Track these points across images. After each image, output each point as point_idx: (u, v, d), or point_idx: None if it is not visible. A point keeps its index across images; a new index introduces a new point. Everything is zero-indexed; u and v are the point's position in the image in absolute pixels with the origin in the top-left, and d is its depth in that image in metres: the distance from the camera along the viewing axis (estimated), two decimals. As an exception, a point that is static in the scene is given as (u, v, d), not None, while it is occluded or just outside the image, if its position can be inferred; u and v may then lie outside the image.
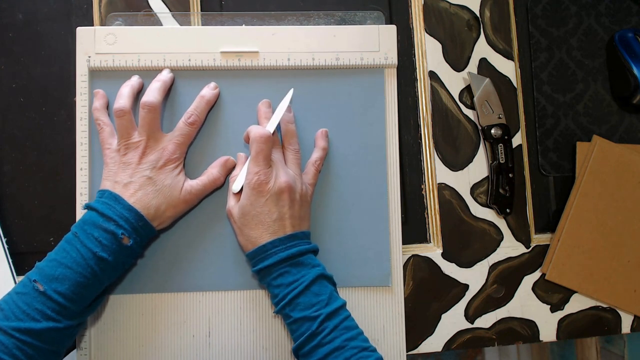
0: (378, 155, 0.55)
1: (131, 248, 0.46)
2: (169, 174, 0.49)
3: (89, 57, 0.53)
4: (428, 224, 0.58)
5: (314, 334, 0.45)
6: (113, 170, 0.48)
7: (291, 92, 0.53)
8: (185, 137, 0.50)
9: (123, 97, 0.50)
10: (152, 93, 0.50)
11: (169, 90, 0.53)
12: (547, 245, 0.59)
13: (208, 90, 0.53)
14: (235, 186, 0.50)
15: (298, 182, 0.50)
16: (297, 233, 0.48)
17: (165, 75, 0.52)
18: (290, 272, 0.46)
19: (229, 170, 0.53)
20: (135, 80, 0.52)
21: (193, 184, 0.50)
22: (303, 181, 0.51)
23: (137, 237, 0.46)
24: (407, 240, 0.57)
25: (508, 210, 0.57)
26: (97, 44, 0.53)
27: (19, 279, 0.52)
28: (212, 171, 0.52)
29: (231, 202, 0.51)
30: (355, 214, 0.54)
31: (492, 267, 0.58)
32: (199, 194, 0.51)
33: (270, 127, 0.51)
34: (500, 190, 0.57)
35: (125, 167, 0.48)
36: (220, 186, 0.52)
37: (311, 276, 0.46)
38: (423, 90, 0.59)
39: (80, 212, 0.52)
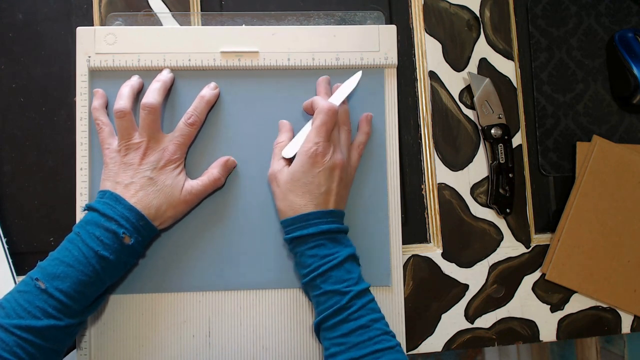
0: (378, 155, 0.55)
1: (132, 247, 0.46)
2: (169, 174, 0.49)
3: (89, 57, 0.53)
4: (428, 224, 0.58)
5: (342, 308, 0.45)
6: (114, 170, 0.48)
7: (360, 73, 0.53)
8: (185, 138, 0.50)
9: (123, 98, 0.50)
10: (152, 94, 0.50)
11: (169, 90, 0.53)
12: (547, 245, 0.59)
13: (208, 90, 0.53)
14: (288, 152, 0.51)
15: (347, 163, 0.51)
16: (337, 211, 0.49)
17: (165, 76, 0.52)
18: (327, 245, 0.47)
19: (230, 170, 0.53)
20: (135, 80, 0.52)
21: (193, 184, 0.50)
22: (350, 163, 0.52)
23: (139, 236, 0.47)
24: (407, 240, 0.57)
25: (508, 210, 0.57)
26: (97, 44, 0.53)
27: (19, 279, 0.52)
28: (213, 171, 0.52)
29: (277, 165, 0.51)
30: (356, 213, 0.54)
31: (492, 267, 0.58)
32: (199, 194, 0.51)
33: (337, 101, 0.51)
34: (500, 190, 0.57)
35: (126, 167, 0.48)
36: (220, 186, 0.52)
37: (345, 253, 0.47)
38: (423, 90, 0.59)
39: (80, 212, 0.52)
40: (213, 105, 0.54)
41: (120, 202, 0.46)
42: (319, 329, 0.47)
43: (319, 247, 0.47)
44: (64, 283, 0.43)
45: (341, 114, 0.52)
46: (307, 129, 0.51)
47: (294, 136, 0.52)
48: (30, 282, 0.43)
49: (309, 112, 0.53)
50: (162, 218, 0.49)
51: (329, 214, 0.48)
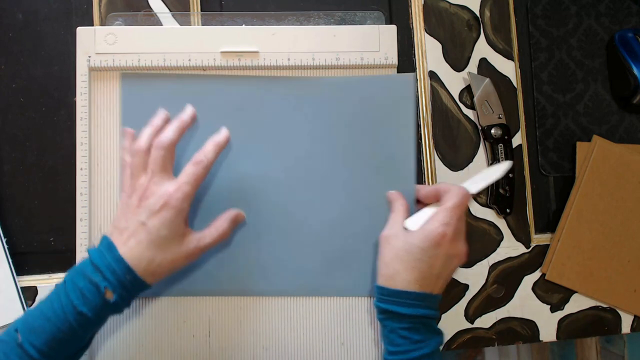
0: (405, 167, 0.54)
1: (115, 304, 0.41)
2: (166, 223, 0.43)
3: (89, 57, 0.53)
4: (428, 224, 0.58)
5: None
6: (118, 213, 0.45)
7: (509, 163, 0.53)
8: (191, 178, 0.44)
9: (142, 137, 0.45)
10: (167, 132, 0.45)
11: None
12: (547, 245, 0.59)
13: (217, 136, 0.47)
14: (413, 224, 0.48)
15: (466, 254, 0.49)
16: (439, 296, 0.48)
17: (186, 114, 0.47)
18: (420, 330, 0.46)
19: (238, 224, 0.50)
20: (159, 119, 0.47)
21: (201, 238, 0.45)
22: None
23: (123, 291, 0.41)
24: (407, 240, 0.57)
25: (508, 210, 0.57)
26: (97, 44, 0.53)
27: (19, 279, 0.52)
28: (223, 225, 0.47)
29: (394, 229, 0.49)
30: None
31: (492, 267, 0.58)
32: (205, 249, 0.46)
33: (474, 188, 0.50)
34: (500, 190, 0.57)
35: (126, 210, 0.44)
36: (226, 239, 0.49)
37: (435, 343, 0.46)
38: (423, 90, 0.59)
39: (80, 212, 0.52)
40: (224, 147, 0.47)
41: (111, 251, 0.42)
42: None
43: (411, 330, 0.45)
44: (38, 339, 0.40)
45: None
46: (432, 209, 0.49)
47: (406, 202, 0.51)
48: (12, 333, 0.41)
49: (426, 199, 0.50)
50: (155, 274, 0.43)
51: (432, 298, 0.46)
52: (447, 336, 0.57)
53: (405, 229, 0.49)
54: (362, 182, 0.54)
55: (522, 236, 0.59)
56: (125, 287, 0.42)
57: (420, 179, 0.58)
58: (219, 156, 0.47)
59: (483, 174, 0.52)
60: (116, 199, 0.53)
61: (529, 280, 0.58)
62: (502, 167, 0.52)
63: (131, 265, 0.42)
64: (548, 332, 0.58)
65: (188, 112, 0.47)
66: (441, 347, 0.48)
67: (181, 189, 0.43)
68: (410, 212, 0.51)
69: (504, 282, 0.58)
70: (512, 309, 0.58)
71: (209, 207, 0.52)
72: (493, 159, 0.57)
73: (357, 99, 0.54)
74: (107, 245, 0.43)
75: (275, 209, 0.53)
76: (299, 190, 0.53)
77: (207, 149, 0.46)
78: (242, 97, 0.54)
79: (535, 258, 0.58)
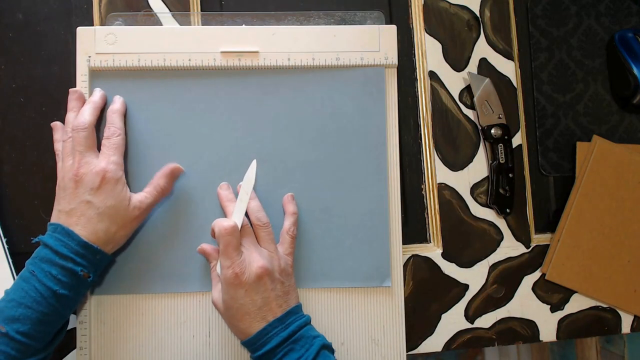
0: (378, 155, 0.55)
1: (92, 281, 0.46)
2: (110, 194, 0.46)
3: (89, 57, 0.53)
4: (428, 224, 0.58)
5: None
6: (57, 198, 0.47)
7: (254, 165, 0.52)
8: (114, 148, 0.48)
9: (66, 124, 0.49)
10: (82, 115, 0.48)
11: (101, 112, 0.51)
12: (547, 245, 0.59)
13: (113, 104, 0.51)
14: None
15: (275, 260, 0.48)
16: (289, 310, 0.47)
17: (96, 96, 0.51)
18: (294, 348, 0.45)
19: (176, 177, 0.52)
20: (73, 100, 0.51)
21: (141, 199, 0.48)
22: (280, 255, 0.49)
23: (97, 269, 0.46)
24: (407, 240, 0.57)
25: (508, 210, 0.57)
26: (97, 44, 0.53)
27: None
28: (159, 181, 0.50)
29: (215, 293, 0.49)
30: (356, 214, 0.54)
31: (492, 267, 0.58)
32: (149, 208, 0.49)
33: (237, 217, 0.49)
34: (500, 190, 0.57)
35: (64, 193, 0.46)
36: (168, 194, 0.51)
37: (315, 348, 0.45)
38: (423, 90, 0.59)
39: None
40: (126, 112, 0.52)
41: (72, 237, 0.44)
42: None
43: (287, 355, 0.45)
44: (24, 325, 0.42)
45: (254, 212, 0.50)
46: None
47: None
48: None
49: (214, 237, 0.49)
50: (113, 241, 0.47)
51: (284, 318, 0.46)
52: (447, 336, 0.57)
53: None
54: (337, 173, 0.54)
55: (522, 236, 0.59)
56: (97, 266, 0.46)
57: (420, 179, 0.58)
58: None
59: (242, 188, 0.51)
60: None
61: (529, 280, 0.58)
62: (251, 170, 0.52)
63: (92, 242, 0.45)
64: (548, 332, 0.58)
65: (97, 94, 0.51)
66: (327, 347, 0.47)
67: (111, 160, 0.47)
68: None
69: (504, 282, 0.58)
70: (512, 309, 0.58)
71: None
72: (493, 159, 0.57)
73: (333, 92, 0.55)
74: (63, 231, 0.45)
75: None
76: (274, 182, 0.54)
77: (112, 120, 0.50)
78: (218, 91, 0.54)
79: (535, 258, 0.58)
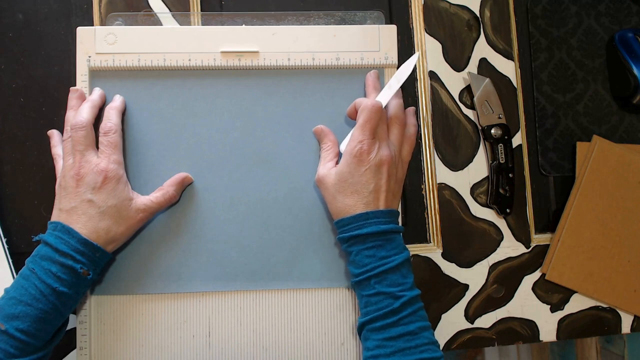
0: None
1: (92, 279, 0.46)
2: (112, 193, 0.47)
3: (89, 57, 0.53)
4: (428, 224, 0.58)
5: (393, 311, 0.45)
6: (57, 197, 0.47)
7: (415, 57, 0.52)
8: (112, 146, 0.48)
9: (66, 125, 0.50)
10: (80, 114, 0.49)
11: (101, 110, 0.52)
12: (547, 245, 0.59)
13: (113, 102, 0.52)
14: (343, 147, 0.50)
15: (397, 158, 0.50)
16: (394, 210, 0.48)
17: (95, 95, 0.51)
18: (384, 246, 0.46)
19: (185, 187, 0.52)
20: (73, 98, 0.51)
21: (147, 203, 0.49)
22: (402, 160, 0.51)
23: (97, 267, 0.46)
24: (407, 240, 0.57)
25: (508, 210, 0.57)
26: (97, 44, 0.53)
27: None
28: (169, 190, 0.50)
29: (323, 169, 0.50)
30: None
31: (492, 267, 0.58)
32: (153, 212, 0.49)
33: (383, 99, 0.50)
34: (500, 190, 0.57)
35: (64, 192, 0.47)
36: (175, 203, 0.52)
37: (403, 257, 0.47)
38: (423, 90, 0.59)
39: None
40: (124, 108, 0.52)
41: (72, 235, 0.45)
42: (363, 328, 0.47)
43: (377, 248, 0.46)
44: (23, 323, 0.42)
45: (395, 108, 0.51)
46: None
47: (336, 139, 0.52)
48: None
49: (353, 117, 0.51)
50: (114, 241, 0.47)
51: (386, 213, 0.47)
52: (447, 336, 0.57)
53: (331, 162, 0.51)
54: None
55: (522, 236, 0.59)
56: (97, 263, 0.46)
57: (420, 179, 0.58)
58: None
59: (395, 76, 0.51)
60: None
61: (529, 280, 0.58)
62: (411, 62, 0.52)
63: (93, 240, 0.45)
64: (548, 332, 0.58)
65: (96, 92, 0.52)
66: (410, 263, 0.48)
67: (112, 159, 0.48)
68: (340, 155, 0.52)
69: (504, 282, 0.58)
70: (512, 309, 0.58)
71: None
72: (493, 159, 0.57)
73: (333, 92, 0.55)
74: (65, 230, 0.45)
75: (263, 202, 0.53)
76: (274, 182, 0.54)
77: (109, 116, 0.50)
78: (218, 91, 0.54)
79: (535, 258, 0.58)
